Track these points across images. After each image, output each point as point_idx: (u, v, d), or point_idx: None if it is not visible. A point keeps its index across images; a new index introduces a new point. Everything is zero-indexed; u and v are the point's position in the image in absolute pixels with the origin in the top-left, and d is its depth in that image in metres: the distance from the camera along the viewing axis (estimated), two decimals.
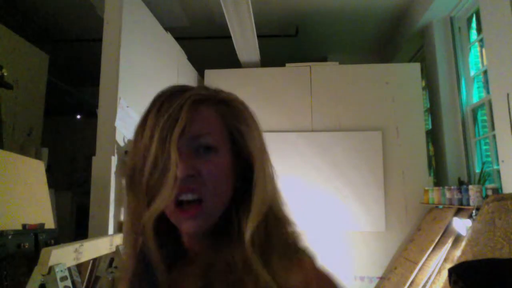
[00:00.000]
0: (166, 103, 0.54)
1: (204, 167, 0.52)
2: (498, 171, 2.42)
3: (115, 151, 2.17)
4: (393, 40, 4.22)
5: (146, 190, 0.53)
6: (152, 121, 0.53)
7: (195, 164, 0.52)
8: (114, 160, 2.15)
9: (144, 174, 0.52)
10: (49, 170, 2.48)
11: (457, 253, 2.17)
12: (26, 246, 1.73)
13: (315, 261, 0.57)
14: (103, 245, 1.62)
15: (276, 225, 0.57)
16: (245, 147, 0.57)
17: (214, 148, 0.54)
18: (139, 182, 0.53)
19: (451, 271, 1.54)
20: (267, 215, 0.55)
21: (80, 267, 1.69)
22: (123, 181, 0.59)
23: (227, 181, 0.55)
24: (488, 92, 2.71)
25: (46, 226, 1.91)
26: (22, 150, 2.87)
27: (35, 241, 1.80)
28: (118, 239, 1.72)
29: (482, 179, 2.62)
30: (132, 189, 0.55)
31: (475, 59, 3.07)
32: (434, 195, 2.81)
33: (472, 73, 3.07)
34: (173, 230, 0.57)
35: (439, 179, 3.30)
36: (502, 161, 2.29)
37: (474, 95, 3.05)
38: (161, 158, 0.51)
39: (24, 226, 1.79)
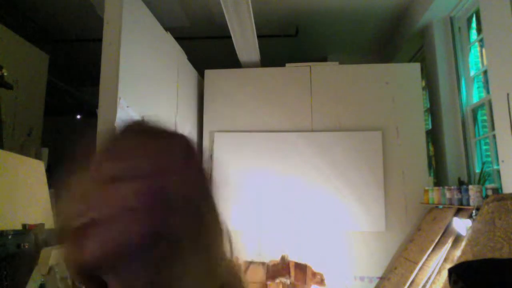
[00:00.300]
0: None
1: (104, 196, 0.45)
2: (498, 171, 2.42)
3: None
4: (393, 40, 4.22)
5: None
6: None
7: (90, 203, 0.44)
8: None
9: None
10: (49, 170, 2.48)
11: (457, 253, 2.17)
12: (26, 246, 1.73)
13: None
14: None
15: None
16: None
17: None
18: None
19: (451, 271, 1.54)
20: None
21: None
22: None
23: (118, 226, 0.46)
24: (488, 92, 2.70)
25: (46, 226, 1.91)
26: (22, 150, 2.87)
27: (35, 241, 1.80)
28: None
29: (482, 179, 2.62)
30: None
31: (475, 59, 3.07)
32: (434, 195, 2.81)
33: (472, 73, 3.07)
34: None
35: (439, 179, 3.30)
36: (502, 161, 2.29)
37: (474, 95, 3.05)
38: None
39: (24, 226, 1.79)
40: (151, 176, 0.44)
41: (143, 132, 0.51)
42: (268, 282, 2.92)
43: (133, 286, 0.45)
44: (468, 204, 2.31)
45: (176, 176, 0.47)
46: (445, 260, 2.38)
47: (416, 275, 2.53)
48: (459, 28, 3.22)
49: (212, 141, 3.42)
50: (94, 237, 0.43)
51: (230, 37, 3.34)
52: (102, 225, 0.43)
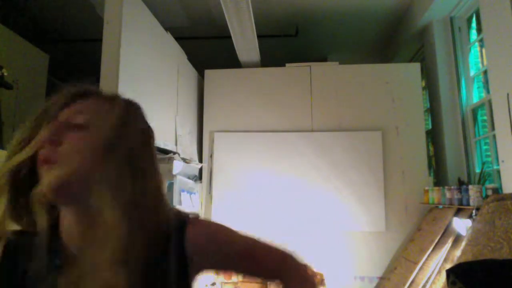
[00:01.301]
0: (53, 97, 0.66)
1: (68, 139, 0.59)
2: (498, 171, 2.42)
3: None
4: (393, 40, 4.22)
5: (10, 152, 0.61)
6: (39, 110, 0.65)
7: (59, 133, 0.59)
8: None
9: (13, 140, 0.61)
10: None
11: (457, 253, 2.17)
12: None
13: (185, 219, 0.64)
14: None
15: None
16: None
17: (83, 126, 0.61)
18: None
19: (449, 272, 1.54)
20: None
21: None
22: None
23: (86, 155, 0.59)
24: (488, 92, 2.70)
25: None
26: None
27: None
28: None
29: (482, 179, 2.62)
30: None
31: (475, 59, 3.07)
32: (434, 195, 2.81)
33: (472, 73, 3.07)
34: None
35: (439, 179, 3.30)
36: (502, 161, 2.28)
37: (474, 95, 3.05)
38: (34, 130, 0.62)
39: None
40: (98, 125, 0.60)
41: (98, 96, 0.67)
42: (268, 282, 2.92)
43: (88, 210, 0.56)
44: (468, 204, 2.31)
45: (115, 127, 0.61)
46: (445, 260, 2.38)
47: (416, 275, 2.53)
48: (459, 28, 3.22)
49: (212, 141, 3.42)
50: (59, 165, 0.56)
51: (230, 37, 3.34)
52: (64, 157, 0.57)
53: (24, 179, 0.59)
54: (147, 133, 0.67)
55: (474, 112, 3.03)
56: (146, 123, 0.68)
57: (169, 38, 3.01)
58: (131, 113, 0.65)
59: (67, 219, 0.60)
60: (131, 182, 0.58)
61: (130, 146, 0.61)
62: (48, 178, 0.56)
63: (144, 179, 0.60)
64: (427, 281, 2.41)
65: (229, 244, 0.65)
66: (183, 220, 0.63)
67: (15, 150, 0.60)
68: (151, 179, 0.62)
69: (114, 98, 0.66)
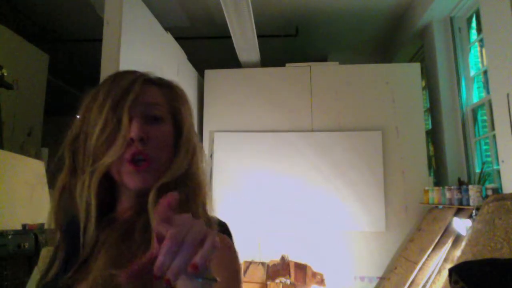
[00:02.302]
0: (118, 79, 0.63)
1: (152, 132, 0.61)
2: (498, 171, 2.42)
3: None
4: (393, 40, 4.22)
5: (93, 151, 0.59)
6: (104, 92, 0.61)
7: (146, 129, 0.60)
8: None
9: (92, 136, 0.59)
10: (48, 170, 2.47)
11: (457, 253, 2.17)
12: (26, 246, 1.73)
13: (225, 228, 0.66)
14: None
15: (191, 189, 0.63)
16: (180, 122, 0.66)
17: (161, 118, 0.63)
18: (83, 144, 0.60)
19: (451, 271, 1.54)
20: (184, 179, 0.62)
21: None
22: (65, 144, 0.65)
23: (168, 148, 0.63)
24: (488, 92, 2.70)
25: (46, 226, 1.91)
26: (22, 150, 2.87)
27: (35, 241, 1.80)
28: None
29: (482, 179, 2.61)
30: (73, 150, 0.62)
31: (475, 59, 3.07)
32: (434, 195, 2.81)
33: (472, 73, 3.07)
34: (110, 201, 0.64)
35: (439, 179, 3.30)
36: (502, 161, 2.29)
37: (474, 95, 3.05)
38: (111, 121, 0.59)
39: (24, 226, 1.79)
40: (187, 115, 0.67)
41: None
42: (268, 282, 2.93)
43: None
44: (468, 204, 2.31)
45: (188, 118, 0.68)
46: (445, 260, 2.38)
47: (416, 275, 2.53)
48: (459, 28, 3.22)
49: (212, 141, 3.42)
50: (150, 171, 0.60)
51: (230, 37, 3.34)
52: (154, 156, 0.61)
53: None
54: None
55: (474, 112, 3.03)
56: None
57: (169, 38, 3.01)
58: (189, 101, 0.70)
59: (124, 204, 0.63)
60: (199, 172, 0.65)
61: (196, 136, 0.67)
62: (142, 181, 0.59)
63: (200, 168, 0.66)
64: (427, 281, 2.42)
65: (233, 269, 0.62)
66: (223, 223, 0.66)
67: (101, 149, 0.59)
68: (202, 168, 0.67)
69: (174, 87, 0.70)
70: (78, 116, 0.64)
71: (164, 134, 0.63)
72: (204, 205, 0.64)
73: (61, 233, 0.62)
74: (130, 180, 0.60)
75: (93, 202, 0.58)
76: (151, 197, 0.58)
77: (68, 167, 0.63)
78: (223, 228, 0.65)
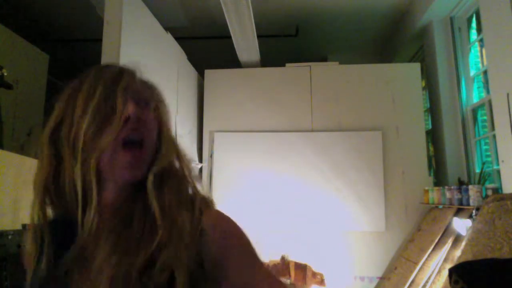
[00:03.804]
0: (104, 69, 0.65)
1: (146, 115, 0.62)
2: (498, 171, 2.42)
3: None
4: (393, 40, 4.22)
5: (84, 136, 0.58)
6: (89, 81, 0.61)
7: (139, 110, 0.61)
8: None
9: (81, 123, 0.58)
10: None
11: (457, 253, 2.17)
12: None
13: (215, 206, 0.66)
14: None
15: (178, 177, 0.65)
16: (161, 117, 0.67)
17: (150, 104, 0.65)
18: (68, 133, 0.59)
19: (451, 271, 1.54)
20: (169, 169, 0.64)
21: None
22: (44, 136, 0.63)
23: (154, 135, 0.64)
24: (488, 92, 2.70)
25: None
26: (22, 150, 2.87)
27: None
28: None
29: (482, 179, 2.62)
30: (54, 140, 0.61)
31: (475, 59, 3.07)
32: (434, 195, 2.81)
33: (472, 73, 3.07)
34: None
35: (439, 179, 3.30)
36: (502, 161, 2.28)
37: (474, 95, 3.05)
38: (103, 105, 0.59)
39: (24, 226, 1.79)
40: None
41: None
42: None
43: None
44: (468, 204, 2.31)
45: (166, 108, 0.71)
46: (445, 260, 2.38)
47: (416, 275, 2.53)
48: (459, 28, 3.22)
49: (212, 141, 3.42)
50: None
51: (230, 37, 3.34)
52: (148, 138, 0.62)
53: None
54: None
55: (474, 112, 3.03)
56: None
57: (169, 38, 3.01)
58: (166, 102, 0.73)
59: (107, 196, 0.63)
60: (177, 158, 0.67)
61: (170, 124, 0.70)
62: (136, 163, 0.60)
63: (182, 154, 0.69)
64: (427, 281, 2.42)
65: (240, 238, 0.64)
66: (209, 200, 0.67)
67: (95, 133, 0.58)
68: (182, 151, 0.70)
69: (154, 85, 0.73)
70: (57, 108, 0.63)
71: (153, 119, 0.64)
72: (194, 187, 0.67)
73: (47, 227, 0.61)
74: (122, 171, 0.60)
75: (94, 183, 0.58)
76: (149, 183, 0.60)
77: (49, 157, 0.61)
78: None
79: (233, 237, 0.62)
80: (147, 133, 0.62)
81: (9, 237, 1.65)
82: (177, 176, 0.65)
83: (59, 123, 0.61)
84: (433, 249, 2.51)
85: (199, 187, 0.67)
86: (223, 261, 0.59)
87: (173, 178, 0.64)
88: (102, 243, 0.56)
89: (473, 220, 2.14)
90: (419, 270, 2.53)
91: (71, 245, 0.58)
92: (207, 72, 3.59)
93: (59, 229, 0.61)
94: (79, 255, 0.57)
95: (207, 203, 0.65)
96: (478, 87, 3.03)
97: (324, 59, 4.56)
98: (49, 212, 0.63)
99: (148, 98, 0.65)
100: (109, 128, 0.58)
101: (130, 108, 0.60)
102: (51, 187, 0.61)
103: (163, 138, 0.66)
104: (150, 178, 0.60)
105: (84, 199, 0.59)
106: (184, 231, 0.57)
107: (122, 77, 0.63)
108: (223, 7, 2.82)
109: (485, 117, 2.88)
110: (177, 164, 0.67)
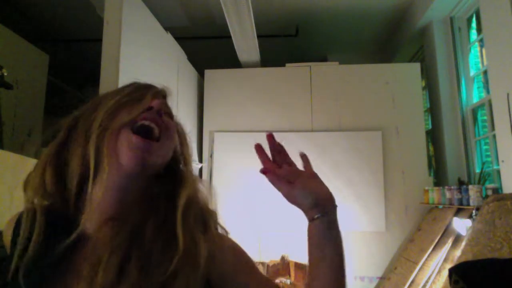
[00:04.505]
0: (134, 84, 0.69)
1: (167, 122, 0.64)
2: (498, 171, 2.42)
3: None
4: (393, 40, 4.22)
5: (103, 117, 0.59)
6: (119, 90, 0.65)
7: (164, 106, 0.66)
8: None
9: (105, 104, 0.61)
10: None
11: (457, 253, 2.17)
12: None
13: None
14: None
15: (199, 205, 0.67)
16: (184, 142, 0.71)
17: (172, 116, 0.68)
18: (86, 120, 0.61)
19: (451, 271, 1.54)
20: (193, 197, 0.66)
21: None
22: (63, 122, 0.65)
23: (172, 145, 0.66)
24: (488, 92, 2.70)
25: None
26: (22, 150, 2.87)
27: None
28: None
29: (482, 179, 2.62)
30: (69, 128, 0.62)
31: (475, 59, 3.07)
32: (434, 195, 2.81)
33: (472, 73, 3.07)
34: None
35: (439, 179, 3.30)
36: (502, 161, 2.28)
37: (474, 95, 3.05)
38: (131, 97, 0.62)
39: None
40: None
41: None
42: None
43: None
44: (468, 204, 2.31)
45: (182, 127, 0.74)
46: (445, 260, 2.38)
47: (416, 275, 2.53)
48: (459, 28, 3.22)
49: (212, 141, 3.42)
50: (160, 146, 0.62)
51: (230, 37, 3.34)
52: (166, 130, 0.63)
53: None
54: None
55: (474, 112, 3.03)
56: None
57: (169, 38, 3.01)
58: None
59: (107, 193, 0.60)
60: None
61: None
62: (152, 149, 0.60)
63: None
64: (427, 281, 2.42)
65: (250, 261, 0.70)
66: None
67: (116, 112, 0.60)
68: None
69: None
70: (88, 102, 0.65)
71: (173, 129, 0.66)
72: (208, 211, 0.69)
73: (42, 211, 0.58)
74: (130, 154, 0.58)
75: (107, 155, 0.58)
76: (179, 213, 0.60)
77: (60, 139, 0.62)
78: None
79: (240, 254, 0.68)
80: (166, 131, 0.63)
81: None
82: (199, 203, 0.66)
83: (85, 110, 0.64)
84: (433, 249, 2.51)
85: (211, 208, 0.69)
86: (234, 276, 0.64)
87: (196, 205, 0.64)
88: (106, 260, 0.53)
89: (473, 220, 2.14)
90: (419, 270, 2.53)
91: (61, 241, 0.55)
92: (207, 72, 3.59)
93: (49, 219, 0.58)
94: (74, 260, 0.55)
95: (217, 225, 0.68)
96: (478, 87, 3.03)
97: (324, 59, 4.56)
98: (43, 199, 0.61)
99: (172, 114, 0.69)
100: (130, 110, 0.60)
101: (155, 102, 0.62)
102: (56, 162, 0.60)
103: (188, 165, 0.68)
104: (181, 204, 0.61)
105: (97, 162, 0.58)
106: (200, 261, 0.57)
107: (154, 86, 0.68)
108: (223, 7, 2.82)
109: (485, 117, 2.88)
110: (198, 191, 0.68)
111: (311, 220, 0.69)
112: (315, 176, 0.72)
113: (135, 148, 0.58)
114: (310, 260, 0.70)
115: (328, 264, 0.66)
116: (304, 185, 0.67)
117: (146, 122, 0.60)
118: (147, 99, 0.62)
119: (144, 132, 0.59)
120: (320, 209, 0.68)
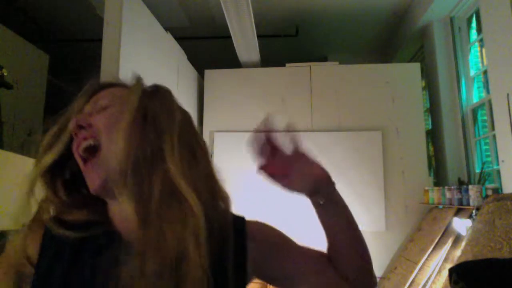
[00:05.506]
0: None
1: (97, 118, 0.57)
2: (498, 171, 2.42)
3: None
4: (393, 40, 4.22)
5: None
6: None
7: (86, 118, 0.57)
8: None
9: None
10: None
11: (457, 253, 2.17)
12: None
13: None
14: None
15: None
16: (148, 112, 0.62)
17: (109, 105, 0.59)
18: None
19: (451, 271, 1.54)
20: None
21: None
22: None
23: (122, 131, 0.55)
24: (488, 92, 2.70)
25: None
26: (22, 150, 2.87)
27: None
28: None
29: (482, 179, 2.61)
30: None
31: (475, 59, 3.07)
32: (434, 195, 2.81)
33: (472, 73, 3.07)
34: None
35: (439, 179, 3.30)
36: (502, 161, 2.29)
37: (474, 95, 3.05)
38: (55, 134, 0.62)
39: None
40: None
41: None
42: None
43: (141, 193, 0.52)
44: (468, 204, 2.31)
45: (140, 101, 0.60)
46: (445, 260, 2.38)
47: (416, 275, 2.53)
48: (459, 28, 3.22)
49: (212, 141, 3.42)
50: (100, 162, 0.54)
51: (230, 37, 3.34)
52: (97, 134, 0.56)
53: (64, 172, 0.61)
54: (183, 114, 0.64)
55: (474, 112, 3.03)
56: (176, 104, 0.65)
57: (169, 38, 3.01)
58: (154, 94, 0.64)
59: (119, 207, 0.57)
60: (184, 157, 0.58)
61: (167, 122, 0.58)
62: (93, 175, 0.55)
63: (194, 157, 0.61)
64: (427, 281, 2.41)
65: (283, 237, 0.74)
66: (241, 216, 0.68)
67: (49, 145, 0.60)
68: (200, 158, 0.63)
69: (135, 84, 0.64)
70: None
71: (112, 116, 0.56)
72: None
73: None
74: (88, 182, 0.56)
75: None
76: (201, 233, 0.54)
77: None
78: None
79: (273, 236, 0.72)
80: (100, 135, 0.56)
81: (10, 237, 1.64)
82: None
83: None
84: (433, 249, 2.51)
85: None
86: (267, 264, 0.65)
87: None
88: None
89: (473, 220, 2.14)
90: (419, 270, 2.53)
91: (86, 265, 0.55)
92: (207, 72, 3.59)
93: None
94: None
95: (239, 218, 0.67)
96: (478, 87, 3.03)
97: (324, 59, 4.56)
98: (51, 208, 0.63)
99: (104, 102, 0.60)
100: (55, 145, 0.59)
101: (72, 123, 0.57)
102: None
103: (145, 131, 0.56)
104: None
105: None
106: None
107: (87, 87, 0.64)
108: (223, 7, 2.82)
109: (485, 117, 2.88)
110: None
111: (317, 207, 0.72)
112: (305, 157, 0.68)
113: (87, 176, 0.56)
114: (326, 233, 0.74)
115: (345, 232, 0.71)
116: (299, 174, 0.66)
117: (83, 145, 0.56)
118: (71, 123, 0.57)
119: (86, 154, 0.56)
120: (323, 193, 0.69)
